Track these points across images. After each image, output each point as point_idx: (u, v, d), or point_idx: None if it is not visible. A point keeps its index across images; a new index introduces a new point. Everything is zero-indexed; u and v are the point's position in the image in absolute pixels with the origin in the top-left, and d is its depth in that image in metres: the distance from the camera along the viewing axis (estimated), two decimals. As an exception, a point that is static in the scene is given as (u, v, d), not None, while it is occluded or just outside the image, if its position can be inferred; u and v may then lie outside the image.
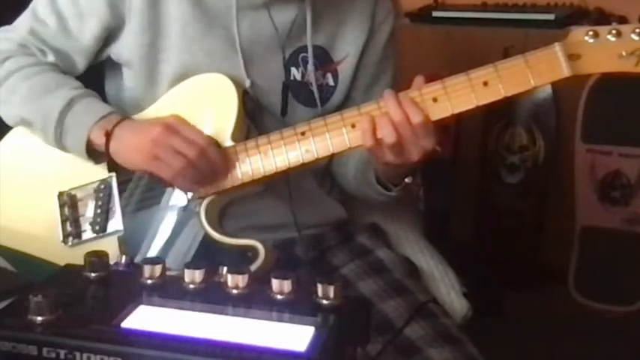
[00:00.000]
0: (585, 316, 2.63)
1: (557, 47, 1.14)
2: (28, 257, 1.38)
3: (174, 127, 1.26)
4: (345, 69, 1.41)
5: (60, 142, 1.34)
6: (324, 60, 1.39)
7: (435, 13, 2.91)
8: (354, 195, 1.47)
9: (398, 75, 1.48)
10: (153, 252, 1.30)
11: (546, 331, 2.46)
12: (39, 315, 0.83)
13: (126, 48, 1.38)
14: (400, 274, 1.40)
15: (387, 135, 1.18)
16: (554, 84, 1.17)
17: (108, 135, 1.28)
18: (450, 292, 1.49)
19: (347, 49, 1.40)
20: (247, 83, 1.33)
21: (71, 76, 1.40)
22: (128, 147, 1.28)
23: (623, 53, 1.13)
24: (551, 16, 2.72)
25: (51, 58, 1.39)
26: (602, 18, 2.76)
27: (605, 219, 2.72)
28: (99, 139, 1.29)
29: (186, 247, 1.29)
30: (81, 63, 1.41)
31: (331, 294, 0.88)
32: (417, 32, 2.79)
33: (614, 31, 1.13)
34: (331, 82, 1.40)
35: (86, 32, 1.37)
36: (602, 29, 1.14)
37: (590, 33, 1.14)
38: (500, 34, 2.71)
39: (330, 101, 1.41)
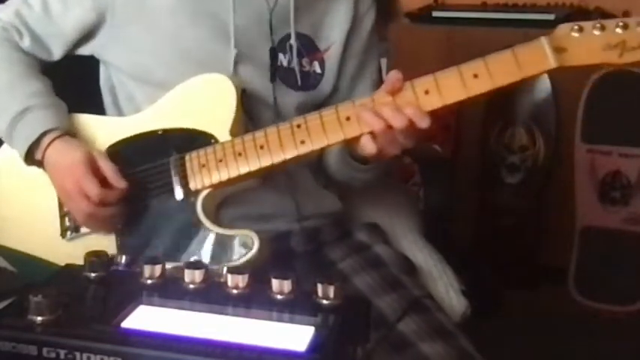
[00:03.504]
0: (585, 316, 2.63)
1: (543, 40, 1.17)
2: (28, 257, 1.38)
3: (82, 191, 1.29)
4: (332, 57, 1.43)
5: (8, 141, 1.37)
6: (310, 48, 1.41)
7: (435, 13, 2.91)
8: (340, 181, 1.47)
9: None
10: (151, 246, 1.30)
11: (546, 331, 2.46)
12: (39, 315, 0.83)
13: (110, 45, 1.39)
14: (396, 270, 1.41)
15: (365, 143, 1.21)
16: (549, 74, 1.20)
17: (42, 159, 1.34)
18: (448, 290, 1.49)
19: (332, 37, 1.42)
20: (233, 53, 1.34)
21: (39, 75, 1.41)
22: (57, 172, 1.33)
23: (607, 46, 1.16)
24: (551, 16, 2.73)
25: (26, 42, 1.41)
26: (602, 18, 2.76)
27: (605, 219, 2.72)
28: (38, 155, 1.34)
29: (185, 240, 1.29)
30: (57, 51, 1.43)
31: (331, 294, 0.88)
32: (417, 32, 2.80)
33: (598, 25, 1.16)
34: (318, 70, 1.42)
35: (67, 21, 1.39)
36: (586, 24, 1.17)
37: (576, 27, 1.17)
38: (500, 34, 2.71)
39: (318, 88, 1.43)
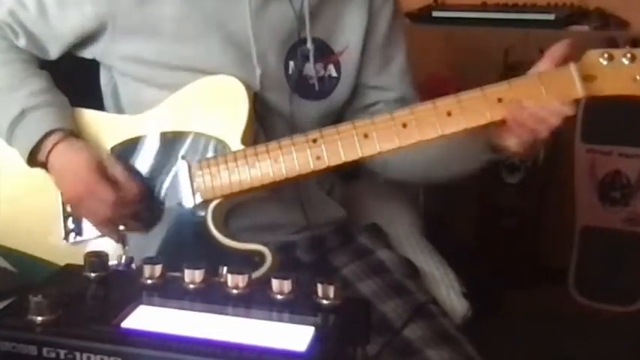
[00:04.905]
0: (585, 316, 2.63)
1: (572, 67, 1.15)
2: (28, 257, 1.38)
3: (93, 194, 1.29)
4: (348, 59, 1.39)
5: (10, 144, 1.35)
6: (325, 52, 1.38)
7: (435, 13, 2.91)
8: (411, 174, 1.45)
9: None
10: (155, 252, 1.29)
11: (546, 331, 2.46)
12: (39, 315, 0.83)
13: (112, 51, 1.37)
14: (400, 275, 1.40)
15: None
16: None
17: (45, 162, 1.32)
18: (449, 292, 1.49)
19: (347, 39, 1.39)
20: (258, 71, 1.32)
21: (38, 71, 1.39)
22: (63, 175, 1.32)
23: (638, 77, 1.14)
24: (551, 16, 2.73)
25: (22, 42, 1.38)
26: (602, 18, 2.76)
27: (605, 219, 2.72)
28: (42, 157, 1.32)
29: (191, 248, 1.29)
30: (54, 51, 1.40)
31: (331, 294, 0.88)
32: (417, 32, 2.79)
33: (628, 55, 1.15)
34: (334, 74, 1.39)
35: (65, 23, 1.36)
36: (617, 52, 1.16)
37: (605, 55, 1.15)
38: (500, 34, 2.72)
39: (334, 93, 1.39)
